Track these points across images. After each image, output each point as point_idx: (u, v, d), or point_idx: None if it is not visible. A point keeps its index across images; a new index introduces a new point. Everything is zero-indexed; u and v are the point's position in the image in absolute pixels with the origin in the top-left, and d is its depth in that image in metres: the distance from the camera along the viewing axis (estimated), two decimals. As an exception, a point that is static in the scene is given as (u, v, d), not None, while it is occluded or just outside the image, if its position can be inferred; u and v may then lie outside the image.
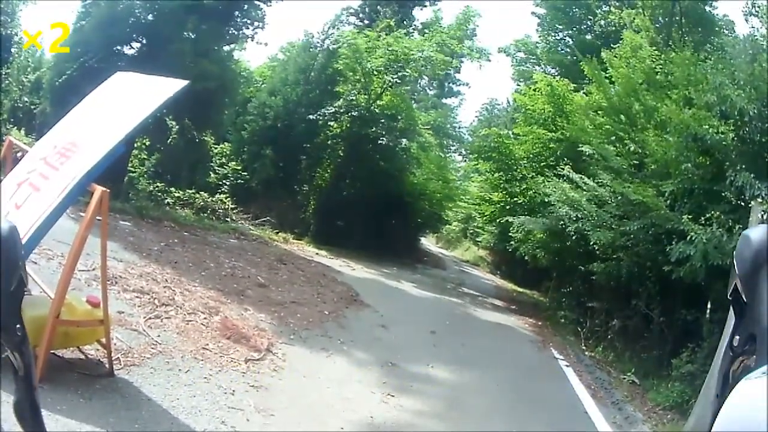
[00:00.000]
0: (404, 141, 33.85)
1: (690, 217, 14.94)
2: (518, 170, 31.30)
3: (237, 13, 27.26)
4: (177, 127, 29.31)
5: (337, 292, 18.95)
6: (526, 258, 32.60)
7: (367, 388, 10.95)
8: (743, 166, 13.82)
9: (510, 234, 32.69)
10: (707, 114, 15.78)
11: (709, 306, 16.59)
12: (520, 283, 41.72)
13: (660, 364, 16.56)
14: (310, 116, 32.71)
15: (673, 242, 15.45)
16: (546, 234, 26.10)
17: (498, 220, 34.64)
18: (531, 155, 30.16)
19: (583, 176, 21.67)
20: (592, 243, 19.73)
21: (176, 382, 8.59)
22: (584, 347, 20.52)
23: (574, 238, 21.45)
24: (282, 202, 32.22)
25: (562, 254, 26.10)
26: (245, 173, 33.47)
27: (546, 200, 23.49)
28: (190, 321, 11.28)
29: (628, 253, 18.91)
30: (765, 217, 11.93)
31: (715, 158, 15.69)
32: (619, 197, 19.03)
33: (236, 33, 28.32)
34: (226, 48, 28.91)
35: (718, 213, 14.42)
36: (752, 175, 13.40)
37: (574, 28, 39.02)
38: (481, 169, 39.22)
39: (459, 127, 43.91)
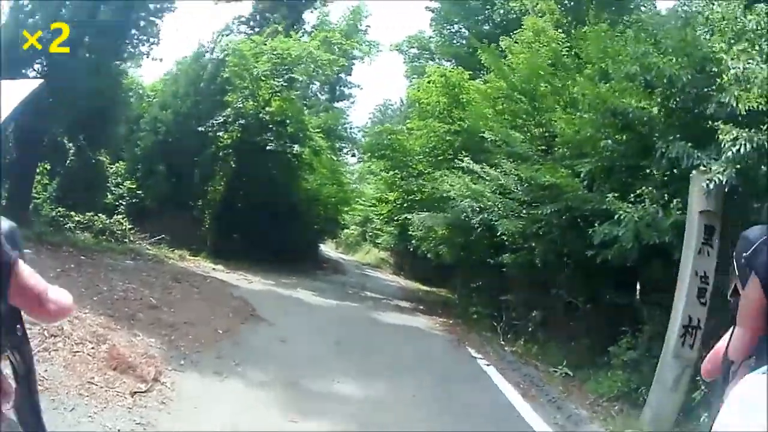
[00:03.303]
0: (296, 147, 32.12)
1: (616, 195, 13.56)
2: (414, 166, 29.99)
3: (133, 31, 26.06)
4: (74, 148, 28.22)
5: (232, 308, 17.34)
6: (429, 256, 31.50)
7: (266, 413, 9.66)
8: (677, 136, 12.42)
9: (410, 233, 31.98)
10: (628, 86, 14.39)
11: (639, 288, 15.97)
12: (426, 282, 39.88)
13: (592, 353, 15.27)
14: (200, 128, 30.93)
15: (596, 224, 14.03)
16: (448, 229, 25.41)
17: (396, 219, 34.31)
18: (427, 150, 28.69)
19: (484, 166, 20.53)
20: (499, 234, 18.79)
21: (61, 423, 7.54)
22: (503, 342, 19.08)
23: (479, 230, 20.70)
24: (177, 218, 30.00)
25: (468, 248, 24.65)
26: (140, 191, 31.57)
27: (445, 195, 22.64)
28: (77, 352, 9.96)
29: (541, 240, 17.53)
30: (710, 186, 10.77)
31: (639, 132, 14.18)
32: (527, 184, 17.83)
33: (132, 50, 27.14)
34: (118, 64, 27.19)
35: (649, 188, 13.00)
36: (689, 144, 11.99)
37: (471, 20, 37.08)
38: (375, 169, 38.41)
39: (351, 129, 41.99)
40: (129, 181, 32.12)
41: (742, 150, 10.19)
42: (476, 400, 12.50)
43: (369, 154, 34.72)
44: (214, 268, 25.35)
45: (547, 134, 19.41)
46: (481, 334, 20.34)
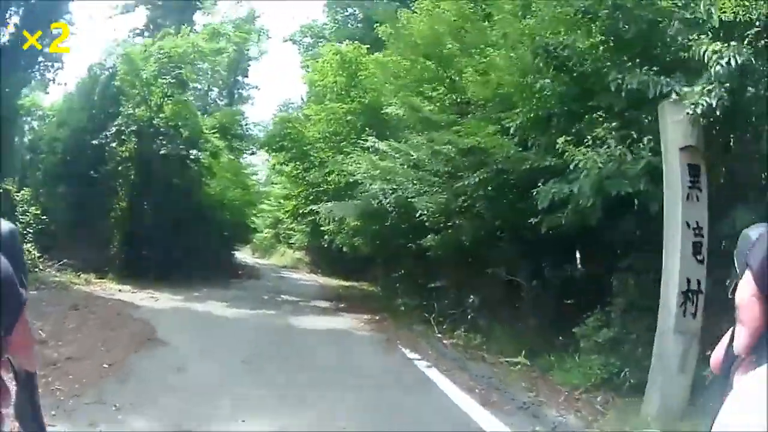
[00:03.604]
0: (193, 151, 30.22)
1: (569, 140, 10.90)
2: (315, 155, 28.05)
3: (40, 58, 25.66)
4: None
5: (129, 333, 14.61)
6: (344, 249, 30.33)
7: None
8: (637, 63, 9.98)
9: (322, 228, 30.79)
10: (562, 16, 12.21)
11: (583, 257, 14.66)
12: (345, 277, 37.82)
13: (547, 336, 13.42)
14: (94, 141, 28.32)
15: (540, 184, 11.75)
16: (361, 218, 23.25)
17: (303, 214, 33.02)
18: (327, 134, 26.67)
19: (392, 143, 18.60)
20: (418, 215, 17.00)
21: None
22: (440, 335, 16.67)
23: (394, 214, 19.27)
24: (85, 240, 27.59)
25: (384, 235, 23.03)
26: (44, 217, 29.16)
27: (353, 180, 21.43)
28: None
29: (466, 216, 16.11)
30: (693, 113, 8.75)
31: (579, 71, 11.63)
32: (443, 155, 15.81)
33: (39, 77, 27.19)
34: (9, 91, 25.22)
35: (610, 127, 10.44)
36: (653, 70, 9.65)
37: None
38: (276, 165, 36.32)
39: (249, 127, 38.74)
40: (33, 207, 29.63)
41: (730, 66, 8.37)
42: (425, 419, 9.71)
43: (267, 148, 32.40)
44: (120, 290, 23.03)
45: (460, 100, 17.24)
46: (413, 329, 17.98)
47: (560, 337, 12.61)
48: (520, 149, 13.32)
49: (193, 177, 31.30)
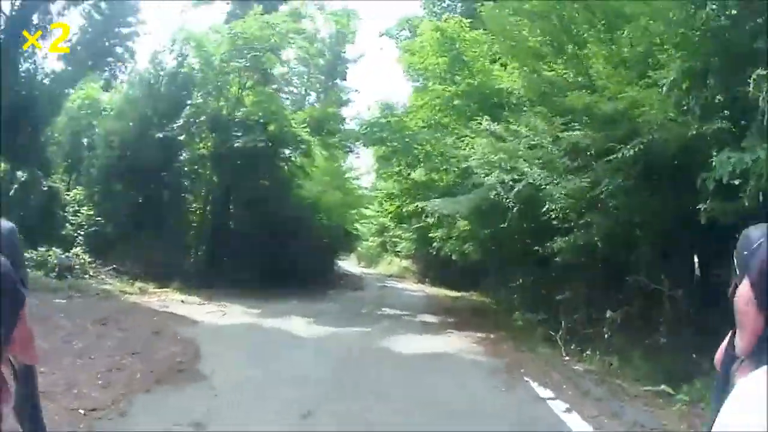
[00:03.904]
0: (286, 150, 27.77)
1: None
2: (420, 147, 24.12)
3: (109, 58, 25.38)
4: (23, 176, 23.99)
5: (158, 359, 10.99)
6: (453, 257, 28.37)
7: None
8: None
9: (430, 235, 29.37)
10: None
11: None
12: (454, 287, 34.29)
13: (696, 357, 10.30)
14: (159, 134, 25.23)
15: (715, 154, 8.84)
16: (473, 218, 20.64)
17: (407, 215, 30.41)
18: (432, 123, 23.39)
19: (510, 124, 16.17)
20: (544, 210, 14.26)
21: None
22: (567, 357, 13.79)
23: (515, 210, 15.78)
24: (146, 245, 24.34)
25: (500, 239, 20.11)
26: (99, 218, 26.14)
27: (465, 172, 18.86)
28: None
29: (602, 210, 13.22)
30: None
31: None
32: (576, 130, 13.16)
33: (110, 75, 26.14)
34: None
35: None
36: None
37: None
38: (378, 161, 32.57)
39: (344, 122, 34.31)
40: (86, 207, 26.70)
41: None
42: None
43: (364, 141, 28.18)
44: (183, 301, 20.18)
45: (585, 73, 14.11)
46: (537, 351, 14.57)
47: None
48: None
49: (283, 177, 28.81)
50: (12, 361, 1.81)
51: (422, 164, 23.93)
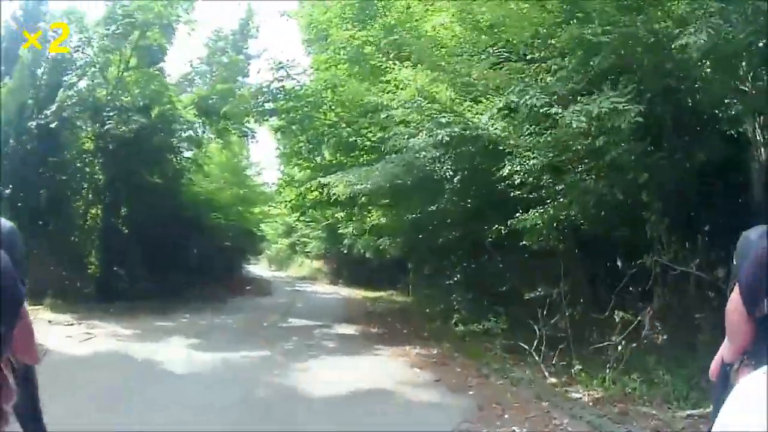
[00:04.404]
0: (173, 139, 23.74)
1: None
2: (323, 116, 18.80)
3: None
4: None
5: None
6: (367, 255, 26.28)
7: None
8: None
9: (340, 231, 27.63)
10: None
11: None
12: (371, 287, 31.09)
13: None
14: (31, 124, 20.51)
15: None
16: (394, 198, 16.67)
17: (306, 201, 23.37)
18: (338, 83, 17.47)
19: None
20: (503, 176, 10.15)
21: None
22: (554, 379, 9.45)
23: (455, 180, 12.87)
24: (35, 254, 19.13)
25: (429, 224, 16.24)
26: None
27: (384, 138, 13.97)
28: None
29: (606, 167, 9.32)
30: None
31: None
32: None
33: None
34: None
35: None
36: None
37: None
38: (274, 136, 25.71)
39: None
40: None
41: None
42: None
43: (255, 116, 22.18)
44: (50, 321, 16.36)
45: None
46: (508, 374, 10.09)
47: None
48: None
49: (173, 171, 24.53)
50: (12, 361, 1.71)
51: (328, 140, 18.81)
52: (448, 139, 10.14)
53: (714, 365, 2.16)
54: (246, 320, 18.57)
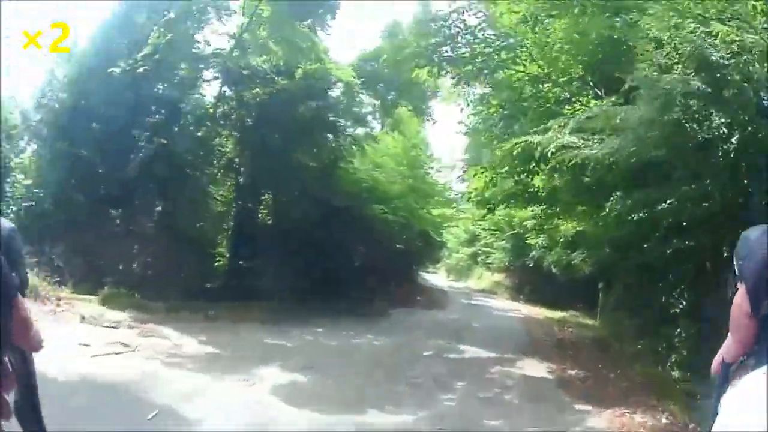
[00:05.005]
0: (330, 115, 19.98)
1: None
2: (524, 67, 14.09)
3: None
4: None
5: None
6: (554, 270, 23.97)
7: None
8: None
9: (528, 241, 25.91)
10: None
11: None
12: (553, 305, 27.23)
13: None
14: (159, 88, 17.73)
15: None
16: (620, 181, 11.84)
17: (493, 183, 18.10)
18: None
19: None
20: None
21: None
22: None
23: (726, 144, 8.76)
24: (111, 236, 17.04)
25: (650, 228, 12.14)
26: (39, 190, 17.95)
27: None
28: None
29: None
30: None
31: None
32: None
33: None
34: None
35: None
36: None
37: None
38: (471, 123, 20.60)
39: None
40: (25, 177, 18.70)
41: None
42: None
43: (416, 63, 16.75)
44: (83, 317, 13.24)
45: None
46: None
47: None
48: None
49: (328, 152, 20.43)
50: (12, 361, 1.62)
51: (529, 103, 14.16)
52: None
53: (715, 363, 1.91)
54: (400, 345, 14.39)
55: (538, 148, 10.59)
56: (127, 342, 11.52)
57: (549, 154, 10.52)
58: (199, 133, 18.66)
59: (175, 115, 18.02)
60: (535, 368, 12.75)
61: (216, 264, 19.77)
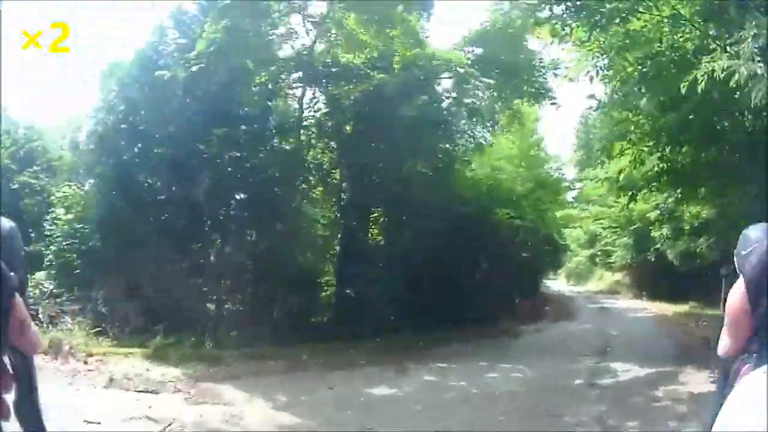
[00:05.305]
0: (440, 108, 17.74)
1: None
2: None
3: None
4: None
5: None
6: (674, 262, 24.38)
7: None
8: None
9: (653, 234, 25.41)
10: None
11: None
12: (671, 299, 26.92)
13: None
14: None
15: None
16: None
17: (637, 185, 17.23)
18: None
19: None
20: None
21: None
22: None
23: None
24: (173, 277, 15.17)
25: None
26: (86, 227, 16.11)
27: None
28: None
29: None
30: None
31: None
32: None
33: None
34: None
35: None
36: None
37: None
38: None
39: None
40: (70, 213, 16.77)
41: None
42: None
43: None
44: (130, 377, 11.03)
45: None
46: None
47: None
48: None
49: (443, 158, 18.28)
50: (12, 360, 1.52)
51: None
52: None
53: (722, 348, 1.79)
54: (543, 375, 12.39)
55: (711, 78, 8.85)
56: (158, 415, 8.88)
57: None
58: (285, 145, 16.78)
59: (251, 125, 15.92)
60: (702, 382, 10.94)
61: (322, 295, 17.66)
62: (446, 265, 17.35)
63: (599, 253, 42.92)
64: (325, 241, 18.27)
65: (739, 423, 1.45)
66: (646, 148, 14.66)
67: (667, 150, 13.97)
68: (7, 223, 1.56)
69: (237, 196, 15.76)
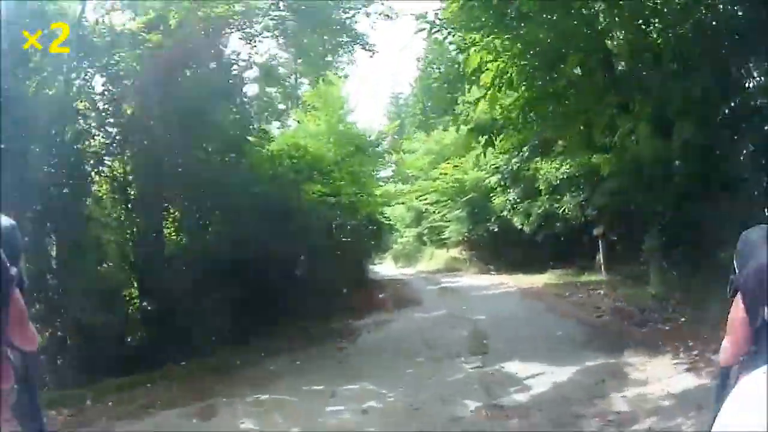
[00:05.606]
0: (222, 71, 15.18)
1: None
2: None
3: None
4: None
5: None
6: (523, 228, 22.72)
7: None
8: None
9: (494, 202, 24.27)
10: None
11: None
12: (527, 269, 23.90)
13: None
14: None
15: None
16: None
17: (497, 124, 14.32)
18: None
19: None
20: None
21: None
22: None
23: None
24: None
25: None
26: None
27: None
28: None
29: None
30: None
31: None
32: None
33: None
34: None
35: None
36: None
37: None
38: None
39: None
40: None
41: None
42: None
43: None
44: None
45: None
46: None
47: None
48: None
49: (233, 129, 14.97)
50: (12, 360, 1.62)
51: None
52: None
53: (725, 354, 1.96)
54: (412, 402, 7.66)
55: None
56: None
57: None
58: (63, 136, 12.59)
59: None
60: (669, 371, 7.53)
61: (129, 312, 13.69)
62: (259, 261, 14.08)
63: (426, 231, 40.80)
64: (120, 247, 14.23)
65: (739, 423, 1.52)
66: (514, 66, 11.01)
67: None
68: (7, 221, 1.63)
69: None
